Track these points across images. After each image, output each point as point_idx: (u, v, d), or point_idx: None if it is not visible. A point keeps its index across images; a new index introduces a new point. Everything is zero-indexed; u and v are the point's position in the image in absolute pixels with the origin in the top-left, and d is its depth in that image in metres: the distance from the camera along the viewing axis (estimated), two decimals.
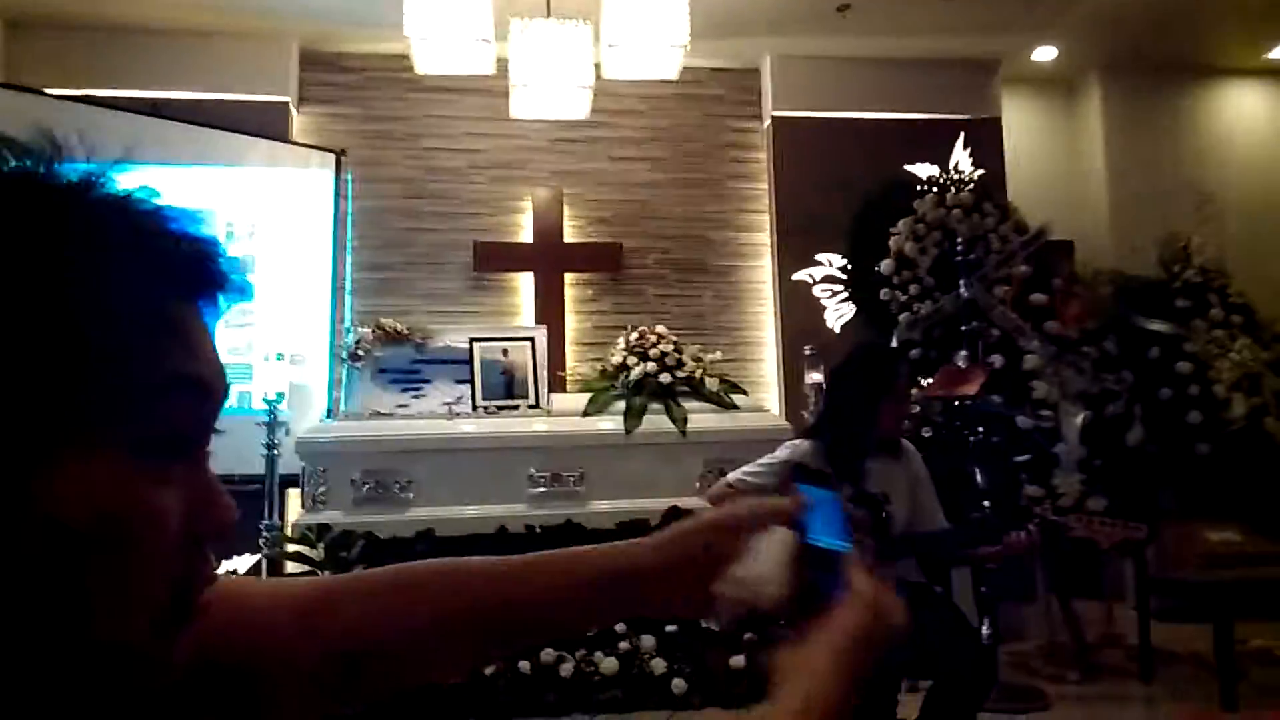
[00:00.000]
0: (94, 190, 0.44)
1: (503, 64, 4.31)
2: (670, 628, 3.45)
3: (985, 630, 3.14)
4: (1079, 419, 3.75)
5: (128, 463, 0.42)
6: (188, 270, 0.46)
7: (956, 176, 4.64)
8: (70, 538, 0.41)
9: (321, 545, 3.47)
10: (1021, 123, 5.88)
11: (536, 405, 4.00)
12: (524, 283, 5.16)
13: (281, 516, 3.99)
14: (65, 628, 0.41)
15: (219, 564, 0.50)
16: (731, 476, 2.75)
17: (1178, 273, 4.30)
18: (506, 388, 4.05)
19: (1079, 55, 5.73)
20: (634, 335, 4.13)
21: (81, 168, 0.45)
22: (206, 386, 0.46)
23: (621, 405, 3.90)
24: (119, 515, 0.42)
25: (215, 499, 0.47)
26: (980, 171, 4.71)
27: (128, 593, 0.43)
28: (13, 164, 0.44)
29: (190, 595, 0.46)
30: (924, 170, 4.64)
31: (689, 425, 3.85)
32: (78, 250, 0.41)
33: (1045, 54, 5.72)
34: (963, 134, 4.83)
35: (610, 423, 3.85)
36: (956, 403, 3.83)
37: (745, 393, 4.25)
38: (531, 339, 4.18)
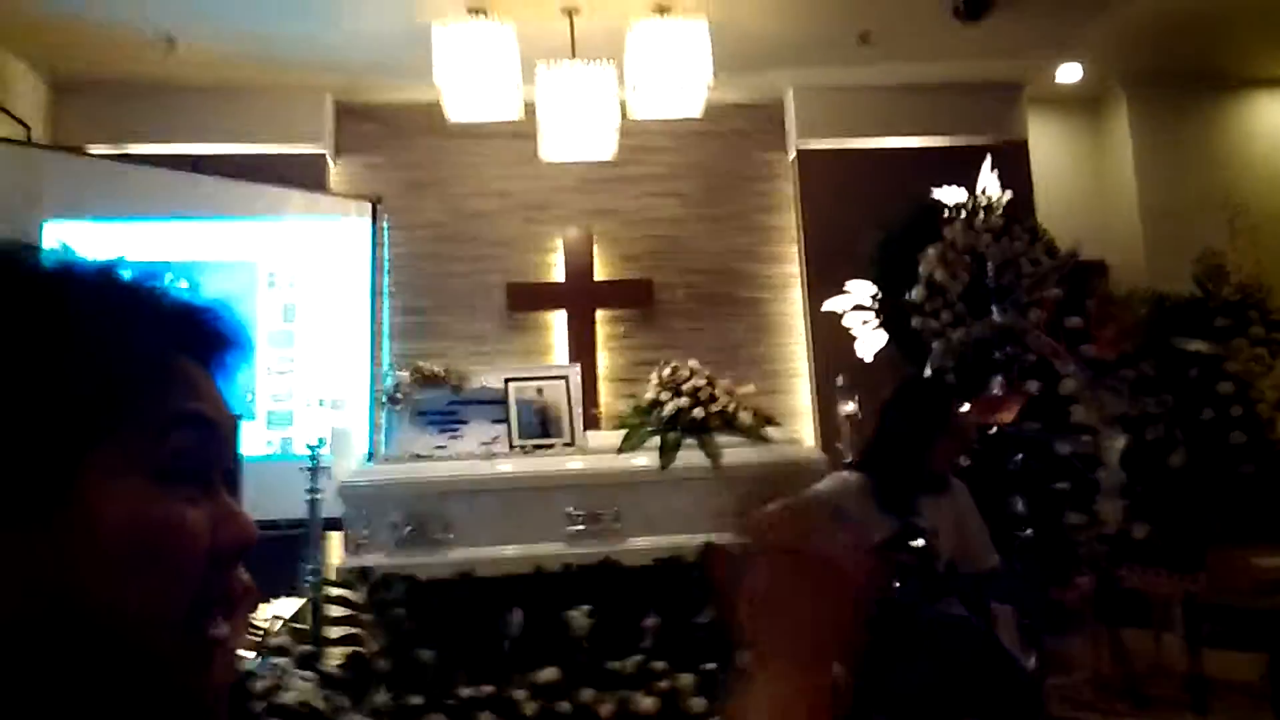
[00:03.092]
0: (111, 273, 0.53)
1: (530, 107, 4.40)
2: (709, 665, 3.44)
3: (1030, 663, 3.09)
4: (1119, 443, 3.69)
5: (152, 485, 0.49)
6: (189, 332, 0.55)
7: (984, 200, 4.61)
8: (105, 546, 0.47)
9: (364, 589, 3.52)
10: (1048, 144, 5.85)
11: (572, 443, 4.03)
12: (556, 321, 5.22)
13: (323, 560, 4.05)
14: (101, 634, 0.47)
15: (255, 593, 0.57)
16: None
17: (1215, 290, 4.24)
18: (542, 426, 4.09)
19: (1103, 72, 5.71)
20: (666, 370, 4.15)
21: (98, 262, 0.54)
22: (210, 422, 0.54)
23: (656, 441, 3.91)
24: (146, 524, 0.48)
25: (234, 518, 0.53)
26: (1008, 194, 4.68)
27: (156, 599, 0.48)
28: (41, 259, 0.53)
29: (215, 609, 0.52)
30: (951, 195, 4.62)
31: (724, 459, 3.85)
32: (96, 320, 0.51)
33: (1069, 73, 5.70)
34: (989, 157, 4.81)
35: (645, 459, 3.87)
36: (993, 429, 3.79)
37: (779, 424, 4.24)
38: (565, 377, 4.22)
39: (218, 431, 0.54)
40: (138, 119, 4.94)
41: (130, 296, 0.53)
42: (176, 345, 0.54)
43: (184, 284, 0.56)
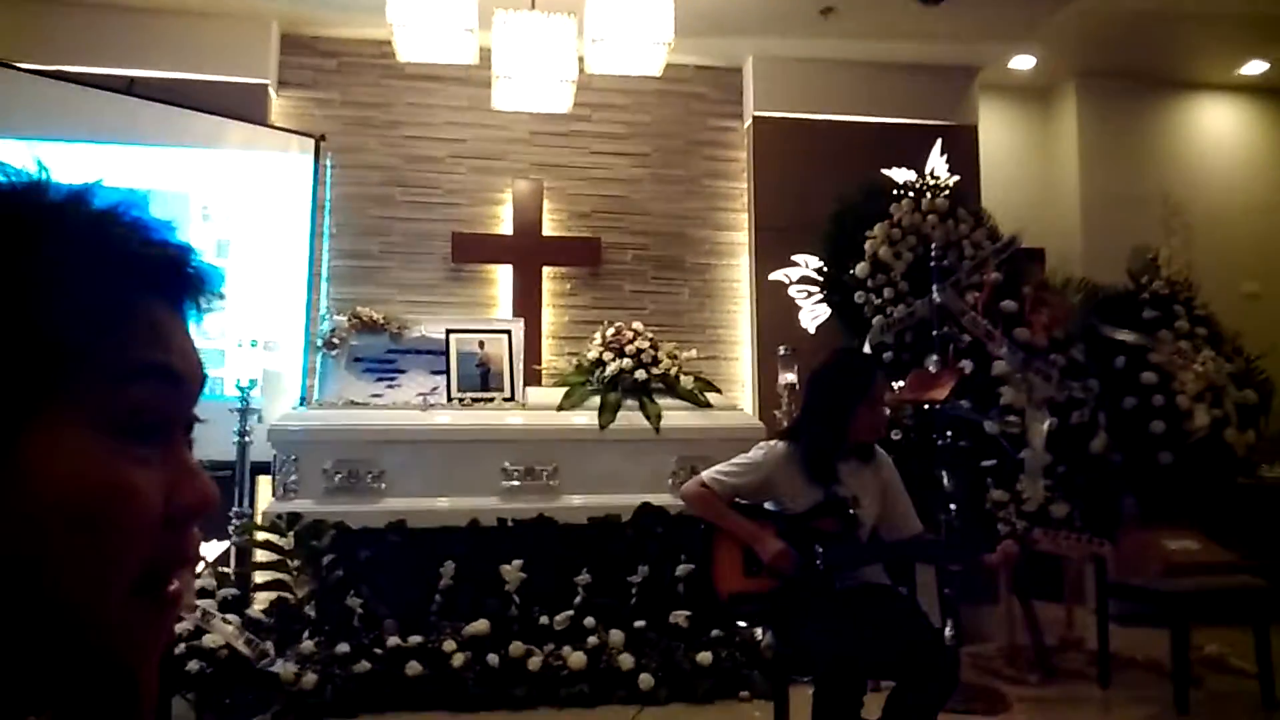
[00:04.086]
0: (82, 203, 0.48)
1: (485, 54, 4.29)
2: (639, 623, 3.48)
3: (948, 632, 3.19)
4: (1045, 425, 3.81)
5: (103, 442, 0.45)
6: (162, 273, 0.50)
7: (932, 182, 4.68)
8: (47, 508, 0.43)
9: (291, 534, 3.46)
10: (997, 130, 5.95)
11: (512, 398, 4.00)
12: (502, 275, 5.15)
13: (252, 504, 3.97)
14: (38, 597, 0.43)
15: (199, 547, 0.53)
16: (706, 475, 2.77)
17: (1145, 284, 4.38)
18: (482, 380, 4.05)
19: (1055, 65, 5.81)
20: (610, 331, 4.15)
21: (69, 187, 0.49)
22: (176, 375, 0.49)
23: (596, 400, 3.91)
24: (94, 488, 0.44)
25: (194, 479, 0.49)
26: (956, 178, 4.75)
27: (102, 564, 0.45)
28: (11, 179, 0.48)
29: (165, 574, 0.48)
30: (901, 175, 4.68)
31: (662, 422, 3.87)
32: (59, 255, 0.46)
33: (1023, 63, 5.79)
34: (940, 140, 4.88)
35: (584, 418, 3.87)
36: (926, 406, 3.88)
37: (719, 391, 4.28)
38: (508, 331, 4.19)
39: (183, 386, 0.50)
40: (73, 36, 4.67)
41: (102, 227, 0.48)
42: (149, 286, 0.49)
43: (162, 215, 0.51)
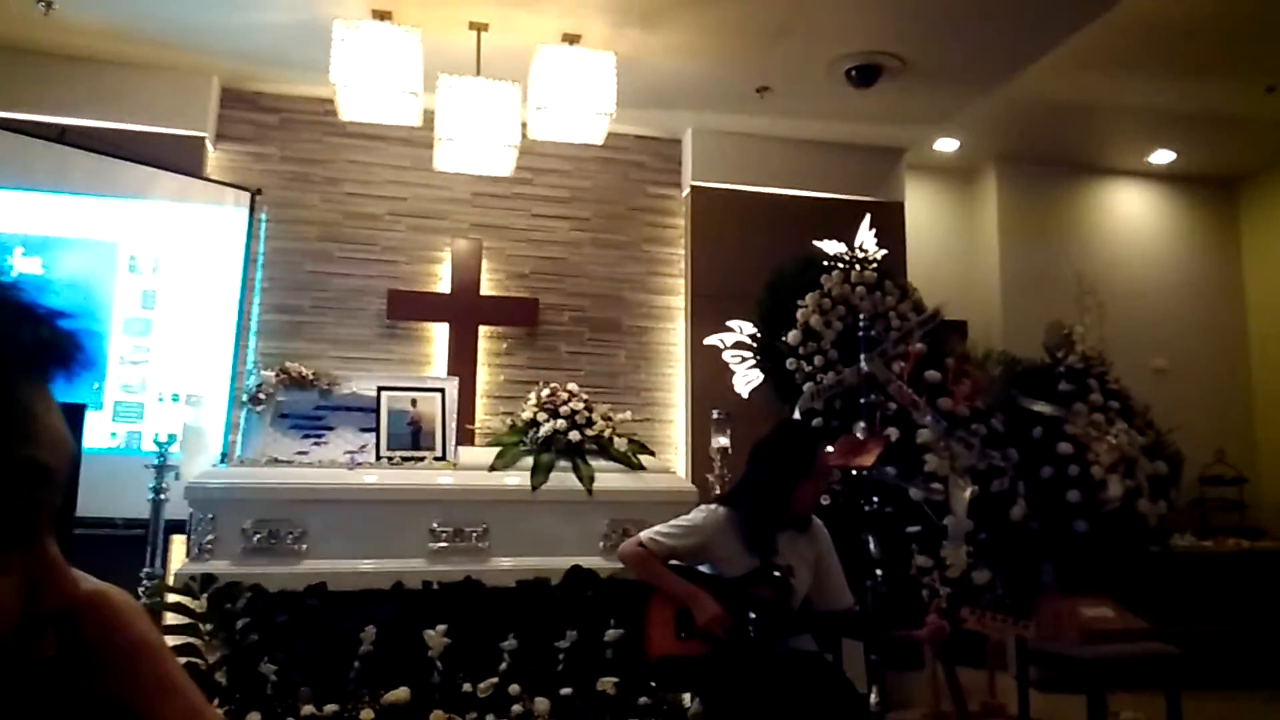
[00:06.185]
0: None
1: (429, 116, 4.34)
2: (565, 690, 3.41)
3: (874, 699, 3.20)
4: (966, 493, 3.91)
5: None
6: (32, 352, 0.44)
7: (861, 255, 4.84)
8: None
9: (205, 596, 3.33)
10: (923, 208, 6.20)
11: (443, 457, 3.95)
12: (438, 333, 5.13)
13: (165, 565, 3.81)
14: None
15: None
16: (644, 535, 2.77)
17: (1061, 358, 4.56)
18: (413, 438, 3.99)
19: (977, 148, 6.12)
20: (545, 391, 4.14)
21: None
22: (44, 470, 0.44)
23: (529, 461, 3.88)
24: None
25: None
26: (883, 252, 4.92)
27: None
28: None
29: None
30: (831, 247, 4.83)
31: (595, 484, 3.85)
32: None
33: (946, 145, 6.08)
34: (868, 215, 5.06)
35: (516, 478, 3.83)
36: (854, 471, 3.95)
37: (653, 453, 4.28)
38: (442, 390, 4.15)
39: (49, 479, 0.45)
40: (3, 82, 4.60)
41: None
42: (18, 368, 0.43)
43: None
